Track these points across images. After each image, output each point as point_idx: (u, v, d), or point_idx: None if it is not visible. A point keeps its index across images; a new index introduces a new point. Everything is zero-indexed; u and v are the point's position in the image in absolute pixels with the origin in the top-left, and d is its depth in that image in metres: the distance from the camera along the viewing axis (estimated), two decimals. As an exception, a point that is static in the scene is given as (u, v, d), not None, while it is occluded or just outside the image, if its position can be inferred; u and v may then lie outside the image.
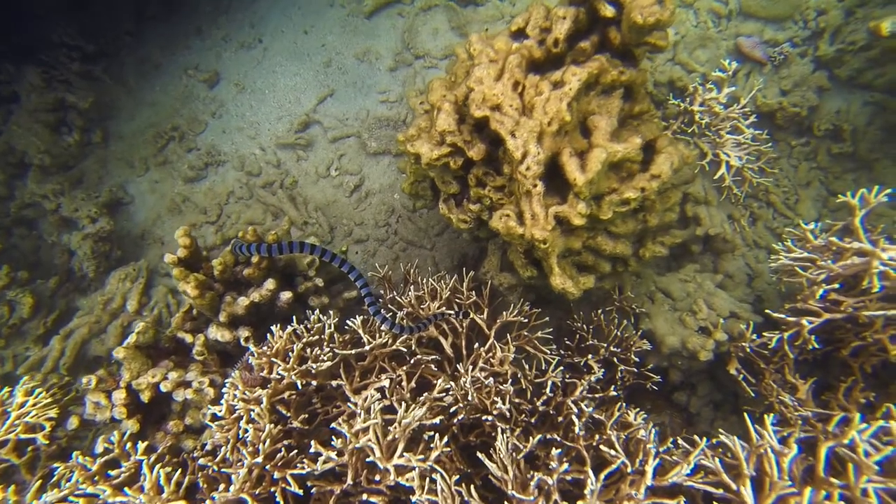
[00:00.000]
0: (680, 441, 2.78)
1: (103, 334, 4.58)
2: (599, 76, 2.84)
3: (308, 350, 2.96)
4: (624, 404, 3.26)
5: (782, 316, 3.18)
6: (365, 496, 2.65)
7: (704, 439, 2.54)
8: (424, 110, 3.65)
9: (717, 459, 2.38)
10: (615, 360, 3.62)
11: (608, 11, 2.81)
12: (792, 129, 4.58)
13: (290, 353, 2.86)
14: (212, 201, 5.27)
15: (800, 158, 4.54)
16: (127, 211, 5.38)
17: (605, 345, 3.61)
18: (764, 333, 3.34)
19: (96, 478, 2.55)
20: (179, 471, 2.65)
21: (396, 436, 2.63)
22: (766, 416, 2.49)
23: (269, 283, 3.25)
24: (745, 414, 2.60)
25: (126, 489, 2.42)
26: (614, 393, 3.34)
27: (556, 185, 2.90)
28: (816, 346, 3.04)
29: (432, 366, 3.22)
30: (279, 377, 2.82)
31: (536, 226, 2.67)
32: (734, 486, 2.32)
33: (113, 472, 2.55)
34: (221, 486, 2.50)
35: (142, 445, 2.71)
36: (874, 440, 2.27)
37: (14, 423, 2.88)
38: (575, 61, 2.95)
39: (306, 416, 2.95)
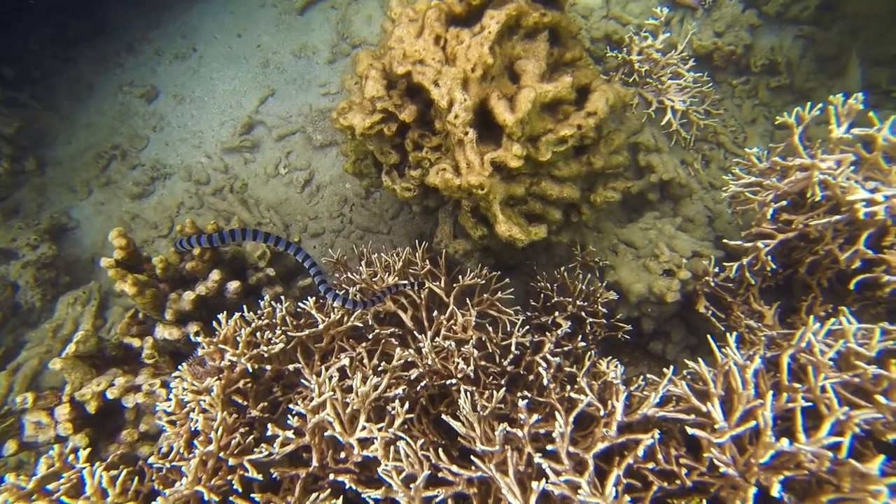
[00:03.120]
0: (652, 378, 2.72)
1: (58, 363, 4.37)
2: (520, 18, 2.79)
3: (259, 335, 2.83)
4: (593, 352, 3.20)
5: (739, 242, 3.16)
6: (332, 476, 2.52)
7: (671, 367, 2.48)
8: (355, 84, 3.57)
9: (684, 384, 2.32)
10: (583, 314, 3.55)
11: (522, -46, 2.77)
12: (730, 69, 4.61)
13: (239, 339, 2.73)
14: (162, 215, 5.10)
15: (742, 97, 4.57)
16: (73, 236, 5.17)
17: (571, 300, 3.54)
18: (724, 264, 3.31)
19: (33, 496, 2.35)
20: (136, 479, 2.49)
21: (356, 407, 2.52)
22: (727, 335, 2.44)
23: (215, 275, 3.12)
24: (708, 336, 2.54)
25: (64, 498, 2.24)
26: (582, 344, 3.26)
27: (491, 135, 2.83)
28: (774, 266, 3.01)
29: (393, 340, 3.12)
30: (230, 364, 2.68)
31: (472, 173, 2.60)
32: (703, 408, 2.25)
33: (51, 486, 2.37)
34: (177, 482, 2.36)
35: (83, 453, 2.53)
36: (828, 339, 2.23)
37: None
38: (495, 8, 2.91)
39: (266, 404, 2.81)
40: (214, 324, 2.83)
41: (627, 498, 2.07)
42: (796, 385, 2.14)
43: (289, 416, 2.49)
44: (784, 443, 1.90)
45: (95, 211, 5.25)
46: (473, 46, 2.63)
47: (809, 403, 2.00)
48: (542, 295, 3.67)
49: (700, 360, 2.41)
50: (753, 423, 2.01)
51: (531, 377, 3.10)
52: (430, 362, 2.81)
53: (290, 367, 2.89)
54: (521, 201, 2.97)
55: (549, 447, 2.34)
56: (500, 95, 2.63)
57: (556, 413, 2.42)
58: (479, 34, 2.67)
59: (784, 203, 2.95)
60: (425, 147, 3.02)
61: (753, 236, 3.15)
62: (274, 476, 2.52)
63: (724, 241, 3.33)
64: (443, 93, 2.58)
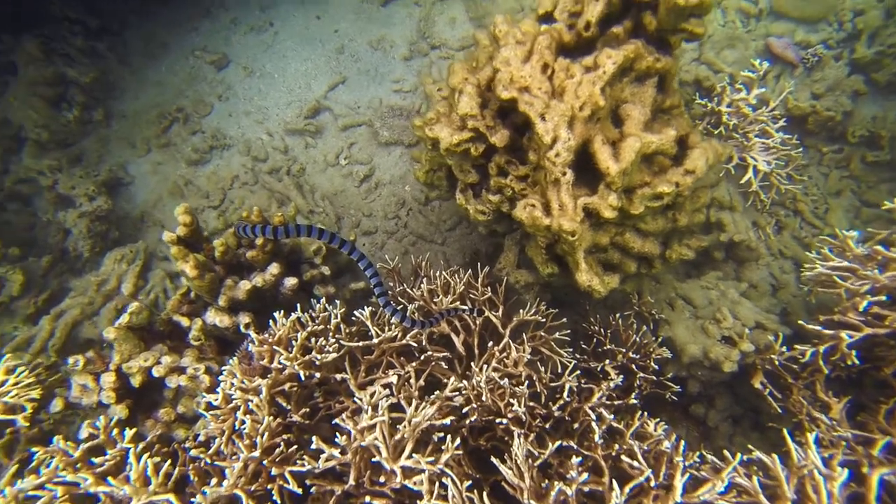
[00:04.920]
0: (708, 457, 2.59)
1: (96, 316, 4.38)
2: (635, 61, 2.66)
3: (312, 340, 2.77)
4: (645, 413, 3.07)
5: (818, 328, 2.99)
6: (368, 498, 2.45)
7: (738, 455, 2.35)
8: (442, 96, 3.47)
9: (755, 478, 2.18)
10: (633, 367, 3.42)
11: (646, -7, 2.64)
12: (823, 134, 4.40)
13: (294, 342, 2.66)
14: (215, 185, 5.08)
15: (831, 166, 4.36)
16: (127, 192, 5.19)
17: (624, 350, 3.42)
18: (795, 346, 3.14)
19: (78, 465, 2.34)
20: (169, 462, 2.46)
21: (405, 435, 2.44)
22: (806, 433, 2.30)
23: (273, 268, 3.07)
24: (784, 431, 2.39)
25: (109, 479, 2.22)
26: (634, 401, 3.14)
27: (583, 176, 2.72)
28: (856, 361, 2.84)
29: (443, 363, 3.03)
30: (281, 367, 2.62)
31: (564, 216, 2.49)
32: (772, 508, 2.12)
33: (97, 460, 2.35)
34: (214, 481, 2.31)
35: (129, 432, 2.51)
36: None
37: (-8, 402, 2.68)
38: (608, 46, 2.78)
39: (307, 410, 2.75)
40: (272, 322, 2.77)
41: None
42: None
43: (337, 433, 2.42)
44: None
45: (151, 170, 5.25)
46: (585, 84, 2.51)
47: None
48: (593, 339, 3.56)
49: (776, 457, 2.27)
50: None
51: (575, 425, 3.00)
52: (484, 398, 2.71)
53: (338, 376, 2.82)
54: (602, 250, 2.85)
55: (600, 516, 2.24)
56: (604, 140, 2.51)
57: (613, 481, 2.31)
58: (592, 72, 2.55)
59: (883, 298, 2.78)
60: (511, 174, 2.92)
61: (835, 324, 2.98)
62: (310, 488, 2.47)
63: (799, 322, 3.17)
64: (548, 128, 2.47)
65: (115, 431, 2.53)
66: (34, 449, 2.47)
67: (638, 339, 3.46)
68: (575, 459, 2.39)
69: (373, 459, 2.38)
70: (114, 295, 4.46)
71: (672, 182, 2.68)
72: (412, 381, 2.87)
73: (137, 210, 5.09)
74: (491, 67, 2.86)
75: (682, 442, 2.53)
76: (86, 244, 4.59)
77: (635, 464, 2.45)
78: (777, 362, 3.24)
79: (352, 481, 2.48)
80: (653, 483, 2.39)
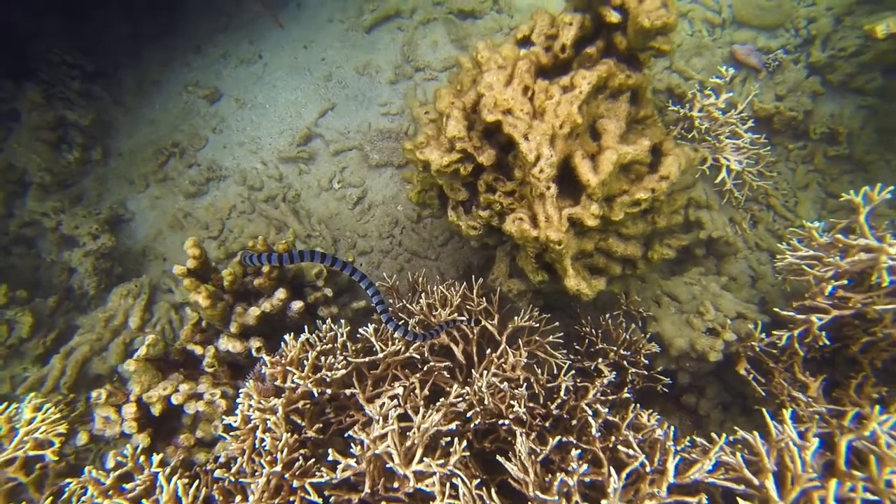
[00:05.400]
0: (697, 440, 2.78)
1: (105, 352, 4.51)
2: (608, 79, 2.89)
3: (322, 359, 2.94)
4: (638, 405, 3.26)
5: (791, 314, 3.21)
6: (383, 504, 2.61)
7: (724, 436, 2.55)
8: (430, 119, 3.69)
9: (738, 455, 2.38)
10: (625, 363, 3.62)
11: (613, 17, 2.87)
12: (789, 132, 4.68)
13: (305, 362, 2.83)
14: (214, 216, 5.25)
15: (797, 161, 4.63)
16: (128, 228, 5.34)
17: (615, 348, 3.61)
18: (773, 332, 3.36)
19: (110, 492, 2.48)
20: (196, 484, 2.60)
21: (415, 441, 2.61)
22: (784, 410, 2.50)
23: (280, 293, 3.24)
24: (764, 410, 2.60)
25: (144, 501, 2.36)
26: (627, 395, 3.33)
27: (566, 188, 2.93)
28: (827, 342, 3.07)
29: (444, 373, 3.21)
30: (294, 386, 2.79)
31: (551, 227, 2.69)
32: (756, 482, 2.31)
33: (128, 486, 2.49)
34: (238, 498, 2.46)
35: (157, 458, 2.65)
36: (894, 432, 2.28)
37: (23, 439, 2.80)
38: (582, 66, 3.01)
39: (320, 425, 2.91)
40: (283, 345, 2.94)
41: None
42: (855, 473, 2.20)
43: (351, 444, 2.58)
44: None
45: (150, 205, 5.41)
46: (563, 104, 2.74)
47: (874, 497, 2.06)
48: (585, 340, 3.75)
49: (756, 434, 2.47)
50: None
51: (573, 422, 3.17)
52: (486, 401, 2.89)
53: (347, 391, 2.99)
54: (587, 255, 3.06)
55: (602, 502, 2.41)
56: (584, 154, 2.73)
57: (610, 468, 2.49)
58: (569, 92, 2.78)
59: (845, 282, 3.00)
60: (499, 191, 3.12)
61: (806, 308, 3.20)
62: (329, 498, 2.62)
63: (775, 309, 3.39)
64: (532, 147, 2.68)
65: (142, 459, 2.67)
66: (67, 480, 2.61)
67: (628, 337, 3.66)
68: (575, 452, 2.57)
69: (386, 466, 2.54)
70: (121, 330, 4.60)
71: (648, 188, 2.90)
72: (417, 391, 3.04)
73: (139, 245, 5.24)
74: (475, 91, 3.07)
75: (673, 429, 2.71)
76: (91, 282, 4.73)
77: (631, 452, 2.63)
78: (758, 349, 3.45)
79: (367, 489, 2.65)
80: (648, 468, 2.57)
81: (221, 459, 2.86)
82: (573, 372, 3.27)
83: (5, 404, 3.04)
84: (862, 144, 4.41)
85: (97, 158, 5.48)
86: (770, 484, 2.24)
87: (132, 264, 5.13)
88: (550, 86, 2.89)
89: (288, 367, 2.81)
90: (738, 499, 2.32)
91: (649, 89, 3.32)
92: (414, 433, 2.62)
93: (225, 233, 5.17)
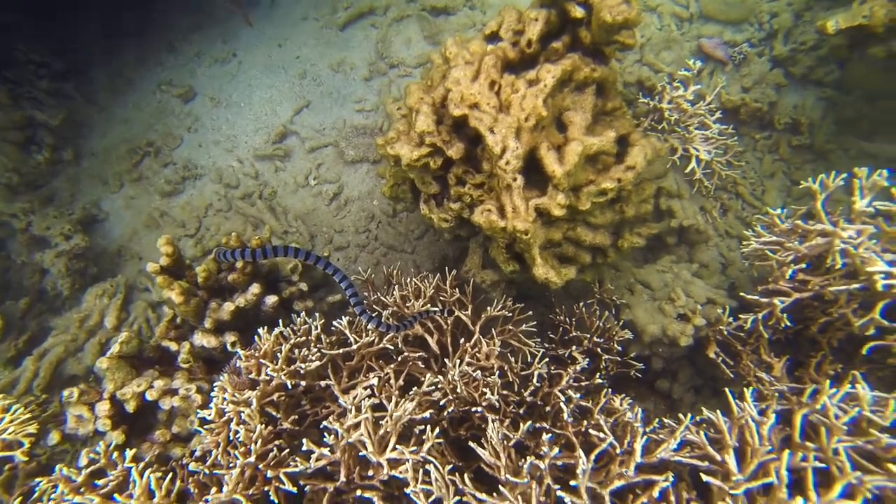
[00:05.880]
0: (666, 421, 2.86)
1: (80, 352, 4.48)
2: (573, 73, 2.96)
3: (296, 351, 2.96)
4: (610, 390, 3.34)
5: (756, 297, 3.32)
6: (359, 492, 2.65)
7: (689, 416, 2.63)
8: (402, 115, 3.72)
9: (701, 433, 2.46)
10: (598, 350, 3.69)
11: (578, 13, 2.94)
12: (755, 123, 4.80)
13: (279, 354, 2.86)
14: (190, 215, 5.22)
15: (763, 151, 4.75)
16: (102, 228, 5.29)
17: (589, 336, 3.69)
18: (740, 316, 3.46)
19: (82, 489, 2.48)
20: (169, 477, 2.61)
21: (388, 430, 2.65)
22: (745, 389, 2.59)
23: (255, 288, 3.25)
24: (727, 390, 2.69)
25: (116, 496, 2.37)
26: (600, 380, 3.41)
27: (534, 179, 2.99)
28: (789, 323, 3.18)
29: (419, 363, 3.25)
30: (268, 378, 2.81)
31: (518, 218, 2.75)
32: (718, 457, 2.40)
33: (100, 482, 2.49)
34: (213, 489, 2.47)
35: (130, 452, 2.66)
36: (843, 404, 2.39)
37: (-8, 440, 2.79)
38: (549, 60, 3.07)
39: (296, 417, 2.94)
40: (256, 338, 2.96)
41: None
42: (808, 444, 2.29)
43: (325, 434, 2.61)
44: (798, 501, 2.05)
45: (125, 205, 5.37)
46: (528, 97, 2.79)
47: (822, 465, 2.15)
48: (560, 328, 3.82)
49: (718, 412, 2.55)
50: (769, 479, 2.16)
51: (547, 408, 3.24)
52: (459, 390, 2.94)
53: (322, 383, 3.01)
54: (556, 245, 3.12)
55: (571, 483, 2.48)
56: (549, 146, 2.79)
57: (579, 450, 2.56)
58: (534, 86, 2.83)
59: (803, 266, 3.11)
60: (468, 183, 3.17)
61: (770, 292, 3.31)
62: (304, 487, 2.65)
63: (741, 293, 3.49)
64: (497, 140, 2.74)
65: (116, 455, 2.67)
66: (38, 479, 2.60)
67: (601, 325, 3.73)
68: (546, 436, 2.63)
69: (360, 454, 2.57)
70: (97, 330, 4.56)
71: (615, 178, 2.97)
72: (392, 381, 3.07)
73: (114, 245, 5.19)
74: (444, 87, 3.12)
75: (641, 411, 2.79)
76: (65, 283, 4.68)
77: (601, 434, 2.70)
78: (726, 332, 3.55)
79: (342, 478, 2.68)
80: (618, 450, 2.65)
81: (197, 453, 2.87)
82: (547, 359, 3.34)
83: (-25, 407, 3.02)
84: (822, 134, 4.55)
85: (69, 159, 5.42)
86: (730, 458, 2.33)
87: (108, 264, 5.09)
88: (517, 80, 2.94)
89: (262, 360, 2.83)
90: (701, 474, 2.41)
91: (617, 82, 3.40)
92: (387, 422, 2.66)
93: (202, 231, 5.15)
